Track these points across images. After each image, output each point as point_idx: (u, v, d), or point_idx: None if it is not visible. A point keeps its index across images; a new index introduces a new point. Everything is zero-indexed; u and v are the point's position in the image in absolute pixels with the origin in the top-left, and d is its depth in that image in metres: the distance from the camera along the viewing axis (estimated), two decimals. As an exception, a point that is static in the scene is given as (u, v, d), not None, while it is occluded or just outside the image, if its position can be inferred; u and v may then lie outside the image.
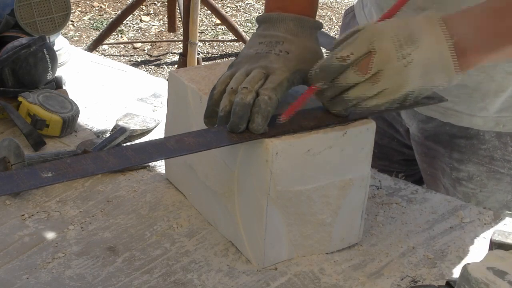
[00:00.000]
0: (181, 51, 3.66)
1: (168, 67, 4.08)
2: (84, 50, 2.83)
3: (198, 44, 3.46)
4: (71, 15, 1.69)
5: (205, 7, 3.96)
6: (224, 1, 4.86)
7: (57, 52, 1.57)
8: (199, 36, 3.57)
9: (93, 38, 4.06)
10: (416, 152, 1.48)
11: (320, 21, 1.14)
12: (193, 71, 1.25)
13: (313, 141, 1.09)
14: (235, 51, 4.25)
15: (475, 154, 1.39)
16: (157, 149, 1.04)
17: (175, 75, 1.24)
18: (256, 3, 4.83)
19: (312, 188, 1.11)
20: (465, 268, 0.93)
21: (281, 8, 1.18)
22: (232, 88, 1.09)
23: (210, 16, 4.52)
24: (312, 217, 1.13)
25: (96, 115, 1.54)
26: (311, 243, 1.16)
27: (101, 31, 4.08)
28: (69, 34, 4.30)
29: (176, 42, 4.28)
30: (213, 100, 1.10)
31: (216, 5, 3.96)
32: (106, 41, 4.07)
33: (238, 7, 4.82)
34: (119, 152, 1.03)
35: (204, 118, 1.11)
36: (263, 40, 1.16)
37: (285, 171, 1.09)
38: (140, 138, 1.46)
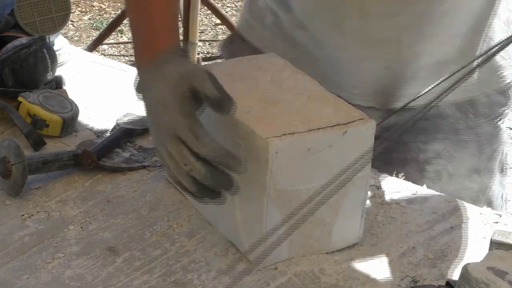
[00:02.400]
0: (181, 51, 3.65)
1: (168, 67, 4.08)
2: (84, 50, 2.83)
3: (198, 44, 3.46)
4: (71, 15, 1.69)
5: (205, 7, 3.96)
6: (224, 1, 4.86)
7: (57, 52, 1.57)
8: (199, 36, 3.57)
9: (93, 38, 4.06)
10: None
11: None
12: None
13: (313, 140, 1.09)
14: (235, 51, 4.24)
15: (439, 131, 1.42)
16: None
17: None
18: (256, 3, 4.83)
19: (312, 187, 1.11)
20: (465, 268, 0.93)
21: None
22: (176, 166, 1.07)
23: (210, 16, 4.52)
24: (312, 216, 1.13)
25: (96, 115, 1.54)
26: (311, 242, 1.16)
27: (101, 31, 4.08)
28: (69, 34, 4.30)
29: (176, 42, 4.27)
30: (177, 181, 1.09)
31: (216, 5, 3.96)
32: (106, 41, 4.07)
33: (238, 7, 4.82)
34: None
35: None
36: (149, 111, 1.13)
37: (285, 170, 1.08)
38: (140, 138, 1.46)
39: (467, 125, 1.42)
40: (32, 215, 1.25)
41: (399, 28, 1.32)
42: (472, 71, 1.32)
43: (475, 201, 1.45)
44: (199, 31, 3.88)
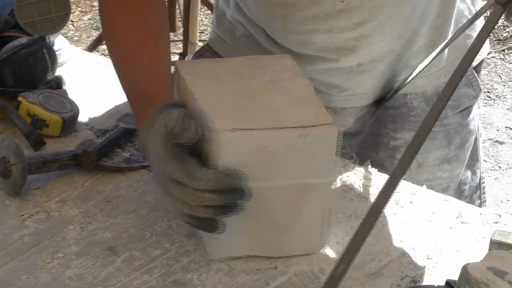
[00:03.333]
0: (181, 51, 3.65)
1: (168, 67, 4.08)
2: (84, 50, 2.83)
3: (198, 44, 3.46)
4: (71, 15, 1.69)
5: (205, 7, 3.95)
6: (224, 1, 4.87)
7: (57, 52, 1.57)
8: (199, 36, 3.56)
9: (93, 38, 4.06)
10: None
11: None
12: (199, 66, 1.23)
13: (267, 138, 1.08)
14: (235, 51, 4.25)
15: (406, 122, 1.47)
16: None
17: (178, 67, 1.22)
18: (256, 3, 4.84)
19: (265, 186, 1.09)
20: (465, 268, 0.93)
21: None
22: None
23: (210, 16, 4.52)
24: (267, 216, 1.12)
25: (96, 115, 1.53)
26: (266, 242, 1.15)
27: (101, 31, 4.08)
28: (69, 34, 4.30)
29: (176, 42, 4.27)
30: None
31: (216, 5, 3.95)
32: (106, 41, 4.06)
33: (238, 7, 4.82)
34: None
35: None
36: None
37: (236, 165, 1.07)
38: (140, 138, 1.46)
39: None
40: (32, 215, 1.25)
41: (366, 35, 1.35)
42: (439, 52, 1.35)
43: (445, 190, 1.50)
44: (199, 31, 3.88)
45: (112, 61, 1.31)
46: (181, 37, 3.70)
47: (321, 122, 1.10)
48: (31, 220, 1.24)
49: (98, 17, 4.58)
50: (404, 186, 1.34)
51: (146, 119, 1.14)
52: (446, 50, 1.40)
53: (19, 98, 1.44)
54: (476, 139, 1.56)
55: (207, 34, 4.46)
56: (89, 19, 4.59)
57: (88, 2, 4.77)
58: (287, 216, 1.13)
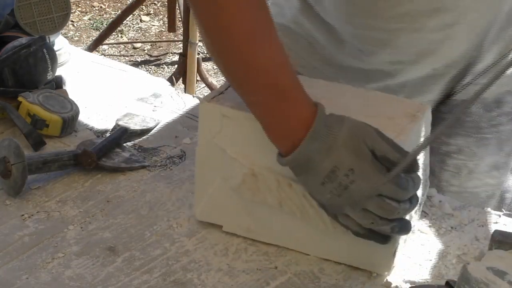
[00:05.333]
0: (181, 51, 3.65)
1: (168, 67, 4.08)
2: (84, 50, 2.83)
3: (198, 44, 3.46)
4: (71, 15, 1.69)
5: (205, 7, 3.95)
6: (224, 1, 4.86)
7: (57, 52, 1.57)
8: (199, 36, 3.56)
9: (93, 38, 4.06)
10: None
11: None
12: (226, 99, 1.16)
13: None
14: (235, 51, 4.24)
15: (462, 127, 1.43)
16: None
17: (209, 107, 1.16)
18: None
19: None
20: (465, 268, 0.93)
21: (291, 135, 1.07)
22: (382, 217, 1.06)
23: (210, 16, 4.51)
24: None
25: (96, 115, 1.54)
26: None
27: (101, 31, 4.08)
28: (69, 34, 4.30)
29: (176, 42, 4.28)
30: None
31: (216, 5, 3.95)
32: (106, 41, 4.07)
33: (238, 7, 4.82)
34: None
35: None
36: (323, 184, 1.06)
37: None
38: (140, 138, 1.46)
39: (489, 123, 1.42)
40: (32, 215, 1.25)
41: (452, 38, 1.31)
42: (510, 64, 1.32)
43: (490, 197, 1.47)
44: (199, 31, 3.87)
45: (221, 54, 1.09)
46: (181, 37, 3.70)
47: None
48: (31, 220, 1.24)
49: (98, 17, 4.59)
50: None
51: (284, 123, 1.05)
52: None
53: (19, 98, 1.44)
54: None
55: (207, 34, 4.46)
56: (89, 19, 4.59)
57: (88, 2, 4.77)
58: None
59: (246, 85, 1.09)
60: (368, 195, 1.03)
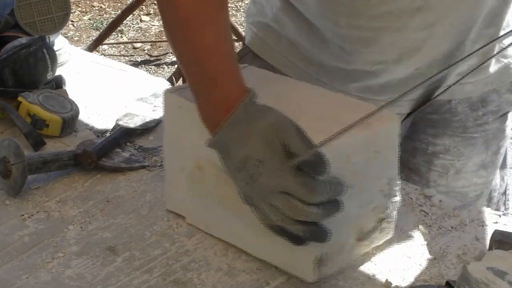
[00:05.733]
0: (181, 51, 3.65)
1: (168, 67, 4.08)
2: (84, 50, 2.83)
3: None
4: (71, 15, 1.69)
5: (205, 7, 3.95)
6: (224, 1, 4.86)
7: (57, 52, 1.57)
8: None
9: (93, 38, 4.06)
10: None
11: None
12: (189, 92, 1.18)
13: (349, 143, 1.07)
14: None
15: (449, 127, 1.44)
16: None
17: (171, 96, 1.20)
18: (256, 3, 4.83)
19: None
20: (465, 268, 0.93)
21: (216, 120, 1.07)
22: (279, 221, 1.03)
23: (210, 16, 4.51)
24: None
25: (96, 115, 1.54)
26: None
27: (101, 31, 4.08)
28: (69, 34, 4.30)
29: (176, 42, 4.27)
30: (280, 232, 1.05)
31: (216, 5, 3.95)
32: (106, 41, 4.07)
33: (238, 7, 4.82)
34: None
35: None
36: (239, 173, 1.05)
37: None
38: (140, 138, 1.46)
39: (476, 122, 1.43)
40: (32, 215, 1.25)
41: (434, 37, 1.32)
42: (490, 58, 1.33)
43: (479, 196, 1.47)
44: (199, 31, 3.87)
45: (170, 38, 1.15)
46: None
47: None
48: (31, 220, 1.24)
49: (98, 17, 4.59)
50: (403, 186, 1.34)
51: (211, 105, 1.07)
52: (495, 57, 1.37)
53: (19, 98, 1.44)
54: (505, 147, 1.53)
55: (207, 34, 4.46)
56: (89, 19, 4.59)
57: (88, 2, 4.77)
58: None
59: (182, 64, 1.13)
60: (273, 189, 1.01)
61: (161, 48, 4.28)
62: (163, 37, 4.40)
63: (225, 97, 1.06)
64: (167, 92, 1.19)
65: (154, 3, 4.75)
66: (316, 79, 1.38)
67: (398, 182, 1.15)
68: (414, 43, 1.32)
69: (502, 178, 1.55)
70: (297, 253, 1.08)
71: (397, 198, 1.16)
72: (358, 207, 1.11)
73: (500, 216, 1.27)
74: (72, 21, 4.47)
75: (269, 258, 1.14)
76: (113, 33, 4.13)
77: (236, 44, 4.25)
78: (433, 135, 1.45)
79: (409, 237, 1.22)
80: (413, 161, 1.47)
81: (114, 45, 4.28)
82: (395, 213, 1.17)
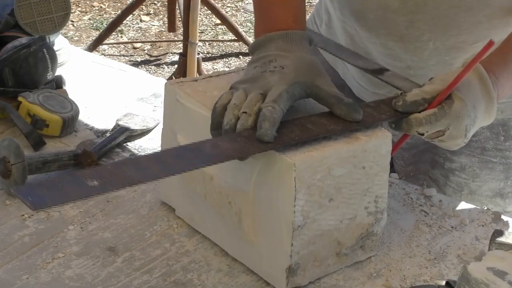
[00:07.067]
0: (181, 51, 3.66)
1: (168, 67, 4.08)
2: (84, 50, 2.83)
3: (198, 44, 3.46)
4: (71, 15, 1.69)
5: (205, 7, 3.96)
6: (224, 1, 4.86)
7: (57, 52, 1.57)
8: (199, 36, 3.57)
9: (93, 38, 4.06)
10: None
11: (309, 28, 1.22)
12: (189, 86, 1.21)
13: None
14: (235, 51, 4.25)
15: (467, 146, 1.39)
16: (196, 155, 1.02)
17: (172, 88, 1.21)
18: (256, 3, 4.83)
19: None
20: (465, 268, 0.93)
21: (267, 30, 1.20)
22: (234, 103, 1.09)
23: (210, 16, 4.52)
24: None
25: (96, 115, 1.54)
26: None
27: (101, 31, 4.08)
28: (69, 34, 4.30)
29: (176, 42, 4.28)
30: (217, 113, 1.10)
31: (216, 5, 3.96)
32: (106, 41, 4.07)
33: (238, 7, 4.82)
34: (158, 158, 1.00)
35: (210, 130, 1.10)
36: (257, 63, 1.16)
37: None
38: (140, 138, 1.46)
39: (495, 147, 1.41)
40: (32, 215, 1.25)
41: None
42: None
43: None
44: (199, 31, 3.88)
45: None
46: (181, 37, 3.70)
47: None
48: (31, 220, 1.24)
49: (98, 17, 4.59)
50: (403, 186, 1.34)
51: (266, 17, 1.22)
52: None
53: (19, 98, 1.44)
54: None
55: (207, 34, 4.46)
56: (89, 19, 4.59)
57: (88, 2, 4.77)
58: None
59: None
60: (257, 85, 1.12)
61: (161, 48, 4.28)
62: (163, 37, 4.40)
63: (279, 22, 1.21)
64: (167, 84, 1.21)
65: (154, 3, 4.75)
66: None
67: (386, 200, 1.14)
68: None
69: None
70: (270, 261, 1.09)
71: (384, 216, 1.14)
72: (338, 220, 1.09)
73: (500, 216, 1.27)
74: (72, 21, 4.46)
75: (246, 262, 1.14)
76: (113, 33, 4.13)
77: (236, 44, 4.25)
78: (451, 152, 1.43)
79: (409, 237, 1.22)
80: (432, 172, 1.47)
81: (114, 45, 4.28)
82: (380, 230, 1.15)
